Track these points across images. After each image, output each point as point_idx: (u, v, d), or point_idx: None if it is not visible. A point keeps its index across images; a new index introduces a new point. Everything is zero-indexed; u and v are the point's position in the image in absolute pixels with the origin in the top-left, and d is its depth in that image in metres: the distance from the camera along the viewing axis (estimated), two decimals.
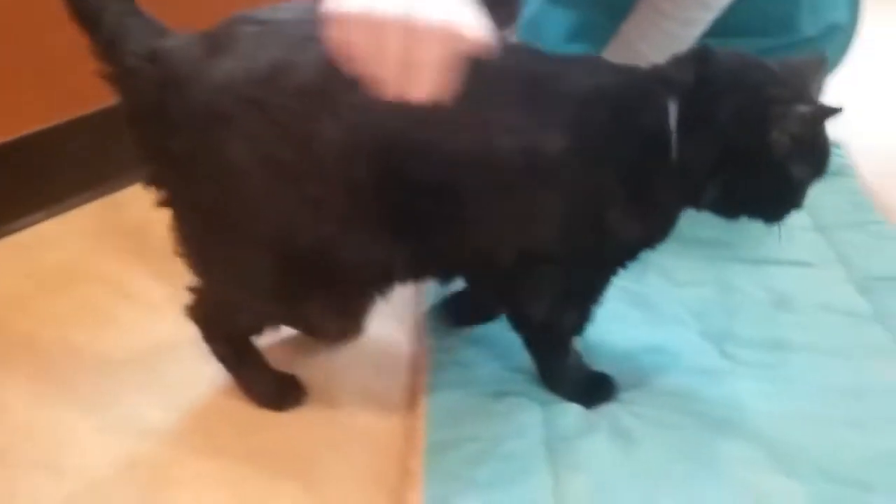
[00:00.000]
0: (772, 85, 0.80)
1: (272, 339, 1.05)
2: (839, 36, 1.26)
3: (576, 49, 1.20)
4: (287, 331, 1.07)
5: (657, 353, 1.02)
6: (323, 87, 0.75)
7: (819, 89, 0.88)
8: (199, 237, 0.86)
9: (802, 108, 0.78)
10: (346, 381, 1.04)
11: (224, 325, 0.95)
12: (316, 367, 1.05)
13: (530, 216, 0.82)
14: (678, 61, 0.84)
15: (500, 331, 1.04)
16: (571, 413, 0.94)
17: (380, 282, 0.88)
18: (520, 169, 0.79)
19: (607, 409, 0.94)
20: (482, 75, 0.74)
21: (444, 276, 0.93)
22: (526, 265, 0.85)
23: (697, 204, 0.85)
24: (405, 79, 0.71)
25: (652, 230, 0.87)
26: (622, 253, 0.89)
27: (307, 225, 0.80)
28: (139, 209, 1.29)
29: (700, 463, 0.87)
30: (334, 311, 0.89)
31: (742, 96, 0.80)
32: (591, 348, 1.00)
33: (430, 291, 1.11)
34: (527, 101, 0.79)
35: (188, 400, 1.01)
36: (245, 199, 0.79)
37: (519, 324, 0.94)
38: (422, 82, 0.71)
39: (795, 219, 1.24)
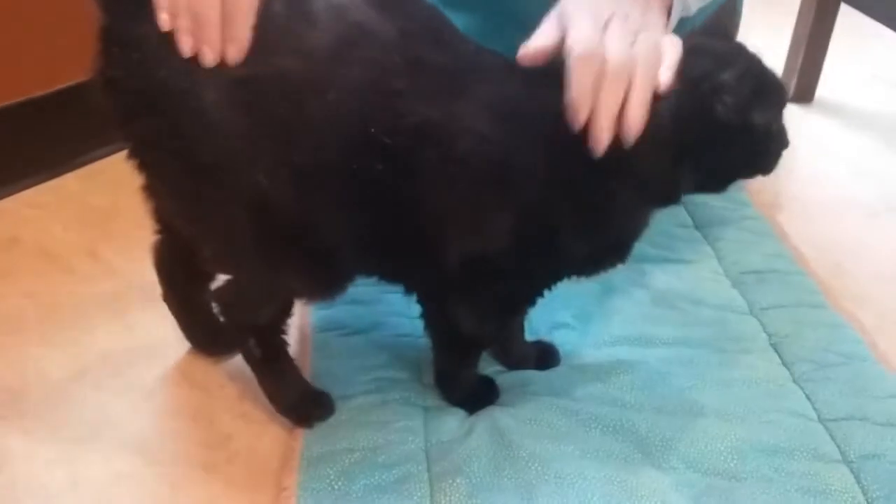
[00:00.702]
0: (692, 65, 0.77)
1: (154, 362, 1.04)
2: None
3: None
4: (170, 353, 1.05)
5: None
6: (335, 51, 0.75)
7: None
8: (186, 191, 0.83)
9: (727, 75, 0.76)
10: (227, 398, 1.01)
11: (243, 305, 0.91)
12: (195, 386, 1.03)
13: (481, 218, 0.81)
14: None
15: (383, 338, 1.04)
16: (451, 417, 0.94)
17: (338, 260, 0.85)
18: (480, 172, 0.78)
19: (486, 412, 0.94)
20: (460, 62, 0.78)
21: (388, 271, 0.91)
22: (471, 271, 0.84)
23: (675, 199, 0.84)
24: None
25: (603, 247, 0.86)
26: (568, 271, 0.88)
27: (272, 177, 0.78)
28: None
29: (574, 459, 0.88)
30: (307, 279, 0.87)
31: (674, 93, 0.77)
32: None
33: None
34: (496, 106, 0.78)
35: (54, 424, 0.97)
36: (225, 139, 0.77)
37: (443, 331, 0.94)
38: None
39: (678, 217, 1.29)
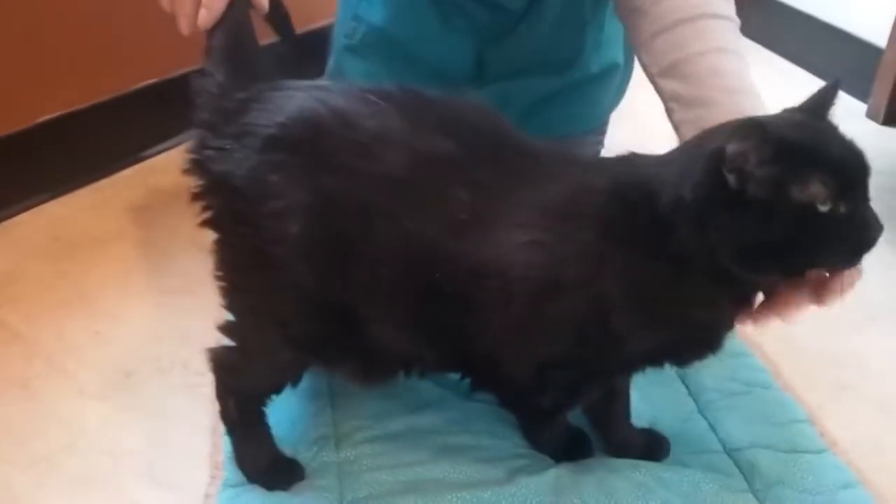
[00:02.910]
0: (715, 140, 0.71)
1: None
2: (617, 75, 1.34)
3: None
4: (76, 419, 1.01)
5: None
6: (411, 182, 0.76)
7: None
8: (242, 269, 0.83)
9: (738, 146, 0.67)
10: (135, 465, 0.99)
11: (242, 375, 0.90)
12: (103, 453, 1.00)
13: (544, 331, 0.79)
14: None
15: (292, 429, 1.00)
16: (367, 474, 0.92)
17: (399, 365, 0.87)
18: (536, 286, 0.76)
19: (405, 468, 0.92)
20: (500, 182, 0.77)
21: (451, 370, 0.91)
22: (540, 372, 0.83)
23: (731, 283, 0.75)
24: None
25: (669, 338, 0.80)
26: (637, 360, 0.86)
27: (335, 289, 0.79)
28: None
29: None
30: (360, 376, 0.88)
31: (689, 163, 0.72)
32: None
33: None
34: (538, 211, 0.77)
35: None
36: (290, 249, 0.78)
37: (519, 408, 0.95)
38: None
39: None
